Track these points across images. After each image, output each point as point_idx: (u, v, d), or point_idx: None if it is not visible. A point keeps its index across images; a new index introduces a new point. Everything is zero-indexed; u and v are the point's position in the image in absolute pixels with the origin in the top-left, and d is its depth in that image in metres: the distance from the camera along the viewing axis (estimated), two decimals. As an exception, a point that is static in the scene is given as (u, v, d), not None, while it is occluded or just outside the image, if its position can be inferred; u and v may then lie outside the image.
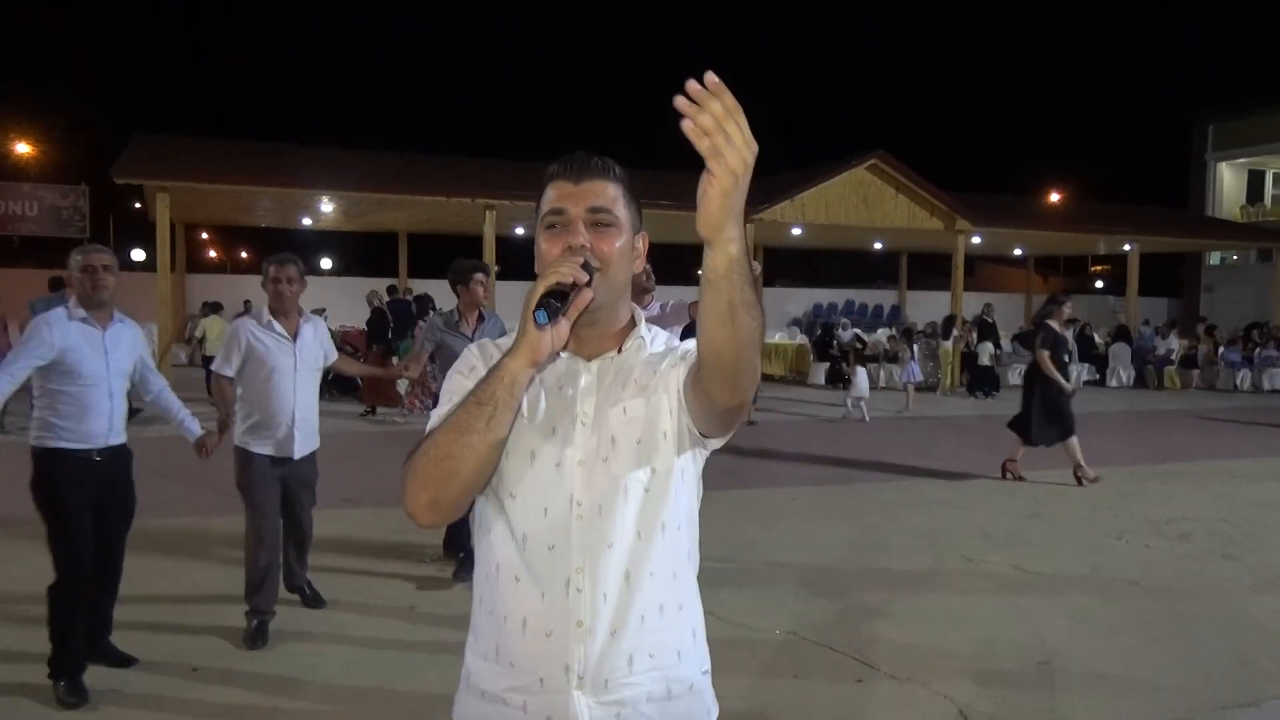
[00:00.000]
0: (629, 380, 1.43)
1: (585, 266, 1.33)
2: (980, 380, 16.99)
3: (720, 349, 1.22)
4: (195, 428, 4.13)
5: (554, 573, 1.36)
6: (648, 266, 4.21)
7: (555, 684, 1.35)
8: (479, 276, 5.11)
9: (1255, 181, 32.70)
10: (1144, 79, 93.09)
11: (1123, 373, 19.76)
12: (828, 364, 18.14)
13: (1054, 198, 32.18)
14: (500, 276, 16.96)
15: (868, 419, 13.03)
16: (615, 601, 1.37)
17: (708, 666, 1.49)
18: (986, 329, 17.53)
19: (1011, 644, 4.58)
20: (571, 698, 1.35)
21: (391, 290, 16.61)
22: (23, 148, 30.76)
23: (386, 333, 14.10)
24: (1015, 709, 3.83)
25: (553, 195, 1.43)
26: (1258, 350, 19.77)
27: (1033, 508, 7.69)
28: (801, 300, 28.30)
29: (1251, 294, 28.07)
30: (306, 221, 20.30)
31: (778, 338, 21.73)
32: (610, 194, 1.43)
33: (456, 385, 1.43)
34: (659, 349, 1.48)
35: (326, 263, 40.28)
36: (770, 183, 19.47)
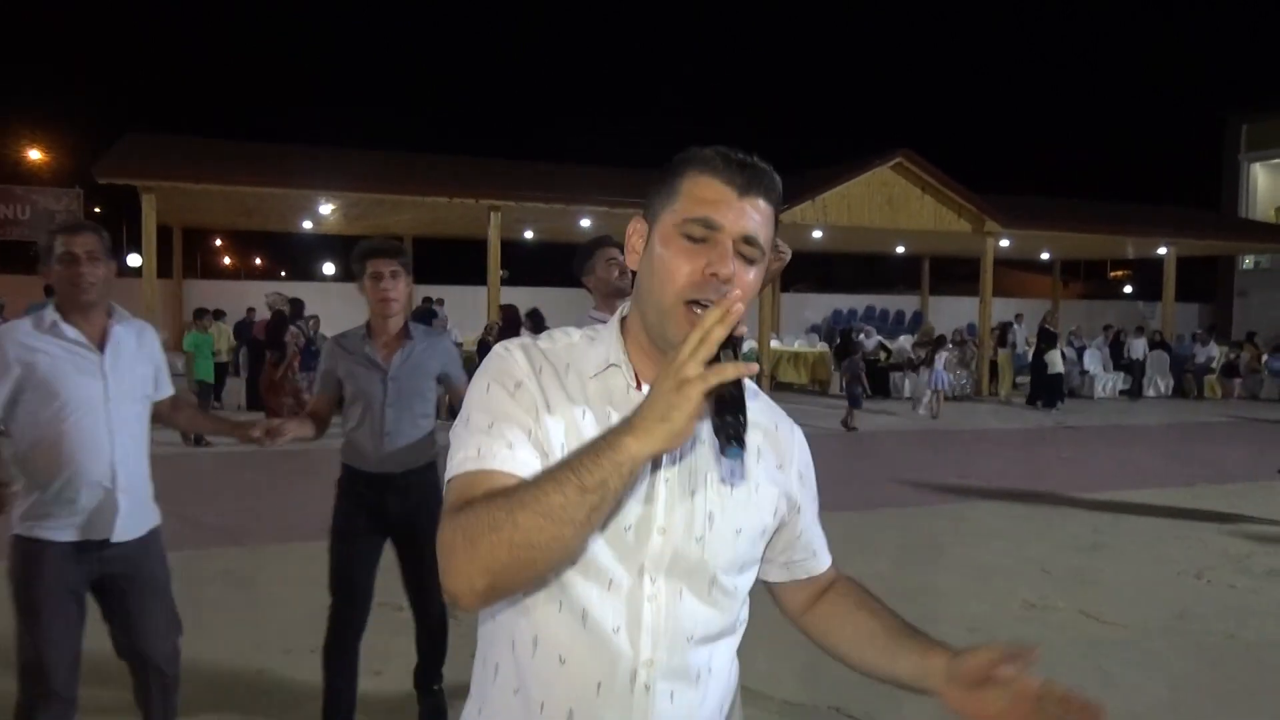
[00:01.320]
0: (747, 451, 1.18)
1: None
2: (1045, 390, 16.04)
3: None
4: None
5: (617, 663, 1.13)
6: (621, 261, 3.38)
7: None
8: (380, 267, 3.31)
9: (1291, 182, 31.64)
10: (1176, 78, 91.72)
11: (1160, 382, 18.81)
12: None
13: (1084, 199, 31.26)
14: (507, 282, 16.28)
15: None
16: (681, 704, 1.17)
17: None
18: (1049, 336, 16.58)
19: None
20: None
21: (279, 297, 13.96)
22: (34, 154, 30.32)
23: (283, 339, 12.24)
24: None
25: (703, 195, 1.14)
26: (1303, 358, 18.82)
27: (1091, 537, 6.85)
28: (820, 306, 27.47)
29: (1288, 298, 27.04)
30: (307, 225, 19.65)
31: (797, 345, 20.89)
32: (767, 219, 1.17)
33: (503, 409, 1.13)
34: (765, 417, 1.27)
35: (329, 268, 39.64)
36: (791, 183, 18.64)
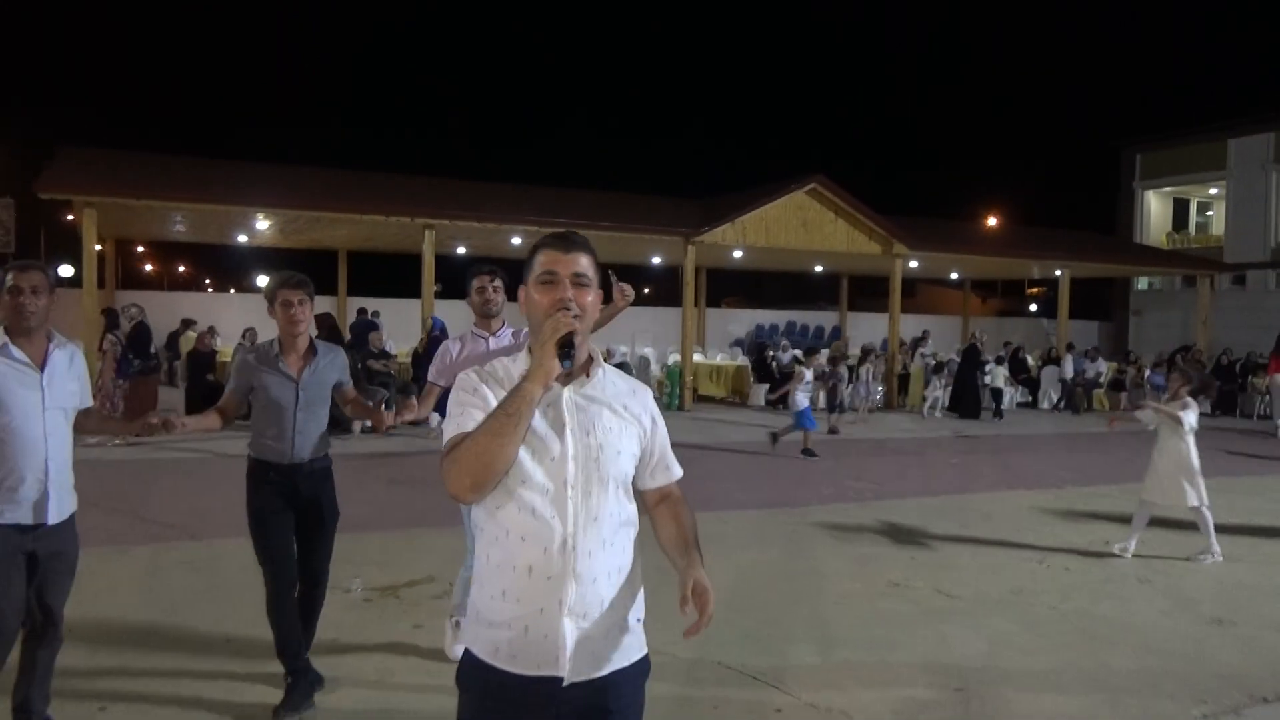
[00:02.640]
0: (607, 402, 2.00)
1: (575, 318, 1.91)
2: (970, 403, 17.61)
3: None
4: None
5: (554, 535, 1.88)
6: (496, 295, 4.50)
7: (551, 613, 1.88)
8: (290, 296, 3.98)
9: (1180, 209, 33.87)
10: (1074, 107, 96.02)
11: (1053, 394, 20.22)
12: (767, 385, 18.26)
13: (990, 222, 32.95)
14: (439, 295, 16.86)
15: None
16: (596, 559, 1.92)
17: (642, 616, 2.05)
18: (975, 353, 17.93)
19: (932, 668, 4.64)
20: (562, 622, 1.88)
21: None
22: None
23: (149, 348, 12.69)
24: (929, 737, 3.88)
25: (546, 259, 1.99)
26: (1181, 373, 20.39)
27: (959, 530, 7.82)
28: (744, 321, 28.55)
29: (1178, 318, 28.97)
30: (242, 238, 19.97)
31: (719, 359, 21.85)
32: (586, 263, 2.00)
33: (467, 401, 1.95)
34: (624, 384, 2.08)
35: (263, 279, 39.67)
36: (711, 205, 19.65)
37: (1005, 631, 5.26)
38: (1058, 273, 22.70)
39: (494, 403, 1.90)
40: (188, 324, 19.38)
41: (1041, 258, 22.42)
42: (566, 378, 1.93)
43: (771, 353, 19.23)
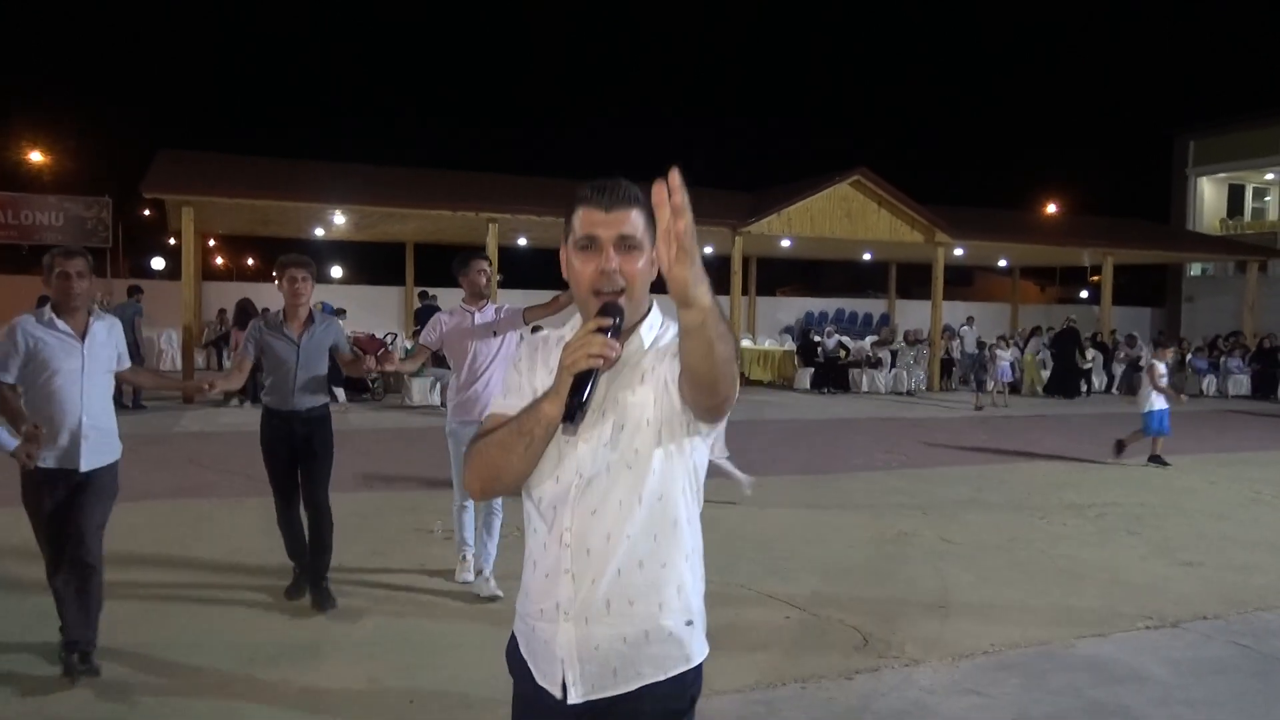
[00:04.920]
0: (635, 373, 1.65)
1: (616, 326, 1.52)
2: (1075, 384, 18.95)
3: (702, 375, 1.46)
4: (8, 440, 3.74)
5: (553, 529, 1.65)
6: (488, 272, 5.33)
7: (550, 615, 1.66)
8: (295, 274, 4.87)
9: (1235, 195, 33.68)
10: (1128, 96, 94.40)
11: (1096, 379, 20.67)
12: (812, 370, 19.07)
13: (1040, 211, 33.17)
14: (502, 285, 18.01)
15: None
16: (596, 556, 1.62)
17: (693, 618, 1.70)
18: (1074, 336, 19.07)
19: (921, 592, 5.53)
20: (560, 628, 1.64)
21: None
22: (36, 158, 31.76)
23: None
24: (907, 635, 4.78)
25: (584, 220, 1.62)
26: (1223, 359, 20.71)
27: (972, 494, 8.63)
28: (793, 309, 29.26)
29: (1231, 304, 28.91)
30: (319, 232, 21.32)
31: (767, 344, 22.69)
32: (635, 220, 1.61)
33: (509, 378, 1.79)
34: (666, 342, 1.67)
35: (337, 271, 41.45)
36: (759, 198, 20.48)
37: (993, 568, 6.12)
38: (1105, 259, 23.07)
39: (527, 380, 1.74)
40: (265, 311, 20.80)
41: (1083, 245, 22.81)
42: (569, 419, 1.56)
43: (817, 339, 20.00)
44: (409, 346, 14.81)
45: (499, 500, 5.12)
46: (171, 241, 36.15)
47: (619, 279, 1.60)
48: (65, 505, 3.90)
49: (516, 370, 1.77)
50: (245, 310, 15.25)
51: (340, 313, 19.26)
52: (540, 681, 1.68)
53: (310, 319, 4.94)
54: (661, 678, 1.65)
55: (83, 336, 3.97)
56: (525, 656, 1.73)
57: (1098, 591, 5.64)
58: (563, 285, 5.06)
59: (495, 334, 5.17)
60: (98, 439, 3.98)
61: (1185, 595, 5.59)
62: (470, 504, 5.28)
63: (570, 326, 1.72)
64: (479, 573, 5.21)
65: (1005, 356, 17.28)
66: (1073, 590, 5.66)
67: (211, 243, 49.09)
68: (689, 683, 1.69)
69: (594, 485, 1.63)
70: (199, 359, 18.28)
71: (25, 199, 21.18)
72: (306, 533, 5.05)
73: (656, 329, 1.71)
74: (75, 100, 67.52)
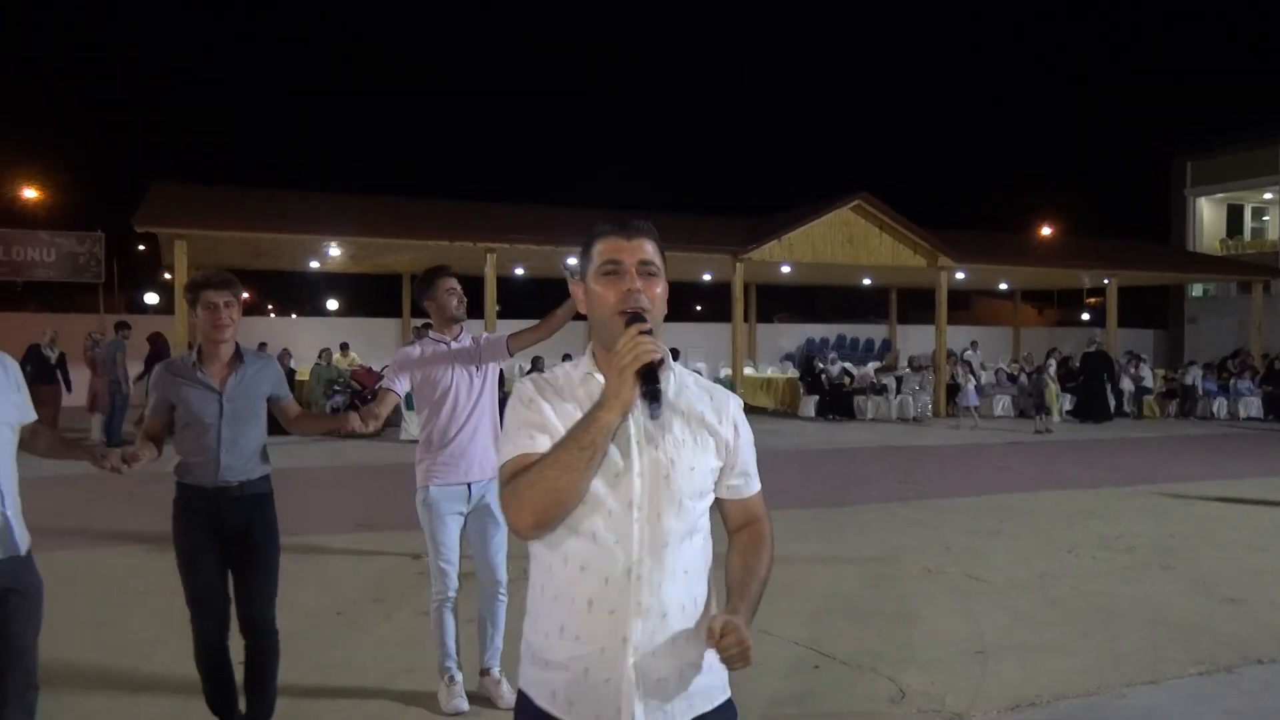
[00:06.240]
0: (680, 409, 1.73)
1: (650, 331, 1.64)
2: (1105, 408, 18.82)
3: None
4: None
5: (617, 563, 1.64)
6: (458, 291, 4.17)
7: (613, 653, 1.64)
8: (213, 297, 3.54)
9: (1234, 215, 33.65)
10: (1125, 117, 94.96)
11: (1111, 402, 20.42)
12: (817, 397, 18.80)
13: (1039, 233, 33.07)
14: (501, 315, 17.75)
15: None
16: (665, 590, 1.66)
17: None
18: (1105, 359, 18.81)
19: (955, 636, 5.21)
20: (625, 664, 1.64)
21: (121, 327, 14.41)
22: (30, 194, 31.60)
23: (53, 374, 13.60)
24: (947, 685, 4.46)
25: (607, 248, 1.73)
26: (1233, 380, 20.48)
27: (996, 525, 8.33)
28: (795, 335, 29.06)
29: (1233, 324, 28.81)
30: (314, 264, 21.09)
31: (770, 372, 22.42)
32: (652, 249, 1.74)
33: (524, 417, 1.70)
34: (698, 388, 1.80)
35: (333, 304, 41.25)
36: (759, 223, 20.31)
37: (1027, 608, 5.80)
38: (1106, 281, 22.90)
39: (551, 416, 1.69)
40: (262, 347, 20.56)
41: (1086, 267, 22.64)
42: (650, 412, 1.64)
43: (820, 366, 19.75)
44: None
45: (504, 579, 4.20)
46: (167, 276, 36.09)
47: (643, 299, 1.70)
48: None
49: (533, 409, 1.71)
50: (157, 351, 13.92)
51: (344, 347, 19.04)
52: None
53: (238, 358, 3.62)
54: (709, 709, 1.73)
55: None
56: (563, 707, 1.68)
57: (1140, 633, 5.33)
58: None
59: (477, 368, 4.14)
60: (18, 513, 2.88)
61: (1234, 636, 5.27)
62: (453, 598, 4.09)
63: (573, 366, 1.78)
64: (485, 672, 4.22)
65: (972, 380, 17.52)
66: (1114, 631, 5.34)
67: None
68: (730, 714, 1.77)
69: (660, 520, 1.67)
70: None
71: (17, 235, 20.93)
72: (240, 666, 3.71)
73: (676, 373, 1.78)
74: (67, 135, 67.59)
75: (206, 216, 14.79)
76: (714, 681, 1.74)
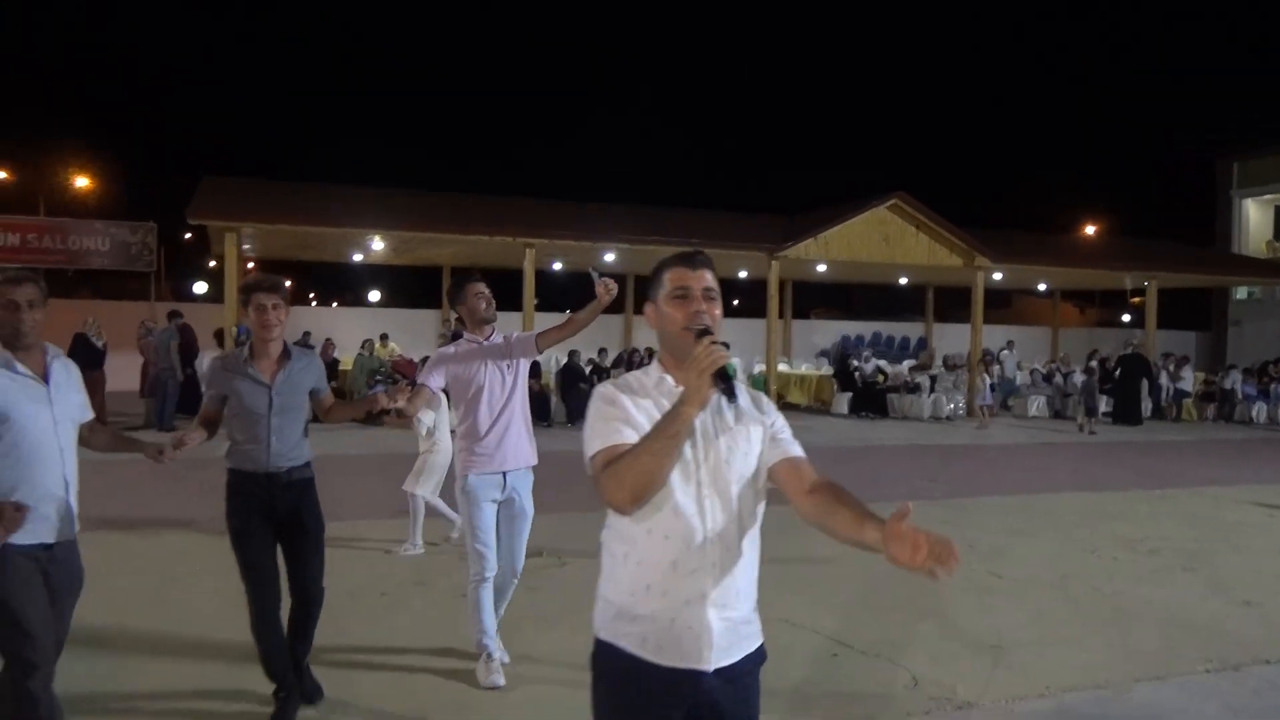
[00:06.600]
0: (742, 412, 2.10)
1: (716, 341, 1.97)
2: (1138, 411, 18.72)
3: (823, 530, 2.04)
4: None
5: (696, 532, 2.02)
6: (487, 294, 4.48)
7: (695, 606, 2.02)
8: (263, 299, 3.89)
9: (1281, 217, 33.06)
10: (1171, 117, 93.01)
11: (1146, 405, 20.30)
12: (850, 394, 18.91)
13: (1081, 233, 32.78)
14: (539, 309, 18.06)
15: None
16: (732, 552, 2.05)
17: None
18: (1142, 361, 18.72)
19: (971, 631, 5.40)
20: (706, 614, 2.03)
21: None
22: (82, 183, 32.44)
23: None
24: (959, 676, 4.66)
25: (675, 276, 2.13)
26: (1273, 385, 20.27)
27: (1021, 524, 8.46)
28: (830, 332, 29.08)
29: (1278, 328, 28.40)
30: (357, 256, 21.54)
31: (804, 368, 22.53)
32: (711, 278, 2.15)
33: (610, 414, 2.05)
34: (751, 398, 2.17)
35: (375, 294, 41.97)
36: (794, 221, 20.42)
37: (1045, 605, 5.97)
38: (1146, 283, 22.72)
39: (632, 411, 2.04)
40: (306, 336, 21.05)
41: (1126, 269, 22.48)
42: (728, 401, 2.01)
43: (855, 363, 19.85)
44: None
45: (520, 568, 4.56)
46: (211, 264, 36.89)
47: (705, 318, 2.08)
48: (44, 590, 3.16)
49: (617, 406, 2.06)
50: (187, 341, 14.48)
51: (384, 338, 19.47)
52: (678, 664, 2.03)
53: (285, 355, 3.98)
54: (751, 649, 2.13)
55: (45, 379, 3.24)
56: (653, 651, 2.03)
57: (1155, 632, 5.48)
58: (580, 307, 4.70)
59: (508, 365, 4.44)
60: (75, 501, 3.29)
61: (1246, 638, 5.41)
62: (490, 578, 4.38)
63: (644, 373, 2.18)
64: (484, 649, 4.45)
65: (989, 380, 17.58)
66: (1128, 630, 5.50)
67: (249, 265, 50.33)
68: (762, 654, 2.17)
69: (726, 495, 2.05)
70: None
71: (75, 224, 21.62)
72: (290, 617, 4.08)
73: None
74: (116, 126, 69.07)
75: (256, 210, 15.24)
76: (755, 629, 2.14)
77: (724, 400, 1.98)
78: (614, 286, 4.23)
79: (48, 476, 3.16)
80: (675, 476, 2.00)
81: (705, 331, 2.01)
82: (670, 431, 1.89)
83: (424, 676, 4.52)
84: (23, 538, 3.05)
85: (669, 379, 2.11)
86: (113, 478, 9.19)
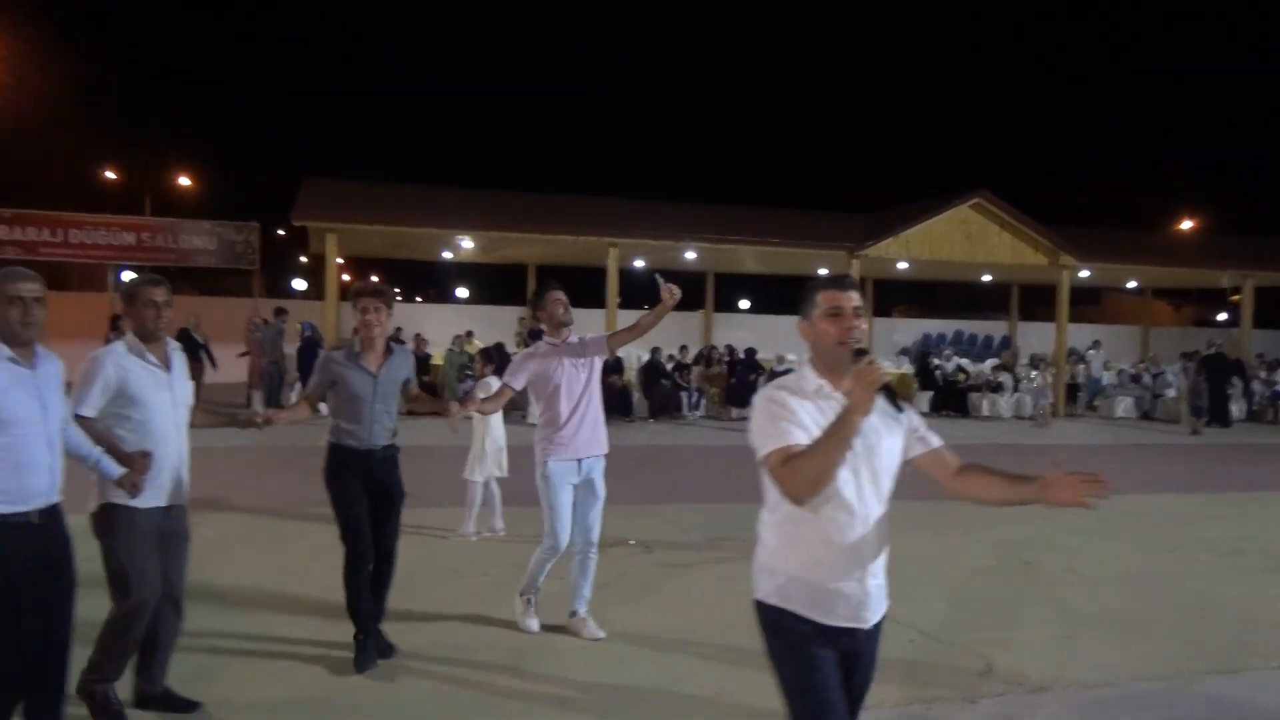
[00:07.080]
0: (876, 410, 2.36)
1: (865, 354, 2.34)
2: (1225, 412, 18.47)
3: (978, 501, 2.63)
4: (113, 469, 3.58)
5: (856, 515, 2.43)
6: (564, 301, 5.06)
7: (858, 574, 2.47)
8: (366, 303, 4.56)
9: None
10: (1271, 110, 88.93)
11: (1234, 408, 19.78)
12: (931, 393, 18.88)
13: (1183, 227, 31.82)
14: (622, 306, 18.49)
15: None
16: (880, 530, 2.49)
17: None
18: (1224, 361, 18.38)
19: (1045, 622, 5.60)
20: (867, 582, 2.48)
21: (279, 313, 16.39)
22: (183, 182, 33.98)
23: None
24: (1031, 664, 4.88)
25: (828, 297, 2.48)
26: (1377, 387, 19.55)
27: (1098, 525, 8.52)
28: (910, 330, 28.91)
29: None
30: (447, 255, 22.28)
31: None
32: (858, 298, 2.50)
33: (781, 415, 2.39)
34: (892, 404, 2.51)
35: (463, 292, 43.13)
36: (876, 220, 20.44)
37: (1120, 601, 6.10)
38: (1242, 282, 22.08)
39: (800, 412, 2.38)
40: (397, 331, 21.89)
41: (1221, 267, 21.87)
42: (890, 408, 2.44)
43: (936, 361, 19.80)
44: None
45: (596, 541, 5.11)
46: (303, 260, 38.28)
47: (856, 333, 2.44)
48: (156, 549, 3.80)
49: (787, 409, 2.41)
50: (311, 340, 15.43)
51: (469, 334, 20.17)
52: (838, 623, 2.46)
53: (388, 350, 4.66)
54: (883, 614, 2.57)
55: (167, 368, 3.84)
56: (823, 613, 2.45)
57: (1229, 628, 5.59)
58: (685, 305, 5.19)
59: (583, 363, 5.01)
60: (186, 471, 3.93)
61: (1324, 636, 5.48)
62: (560, 552, 5.04)
63: (798, 378, 2.52)
64: (574, 614, 5.12)
65: (1042, 379, 17.59)
66: (1202, 626, 5.62)
67: (340, 261, 52.17)
68: (884, 619, 2.59)
69: (876, 483, 2.46)
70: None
71: (182, 224, 22.81)
72: (373, 574, 4.69)
73: None
74: (216, 126, 71.86)
75: (356, 212, 16.00)
76: (885, 597, 2.56)
77: (884, 405, 2.36)
78: (677, 291, 4.79)
79: (167, 450, 3.76)
80: (842, 470, 2.35)
81: (863, 351, 2.34)
82: (842, 434, 2.23)
83: (487, 631, 5.15)
84: (145, 500, 3.69)
85: (826, 384, 2.46)
86: (231, 463, 9.87)
